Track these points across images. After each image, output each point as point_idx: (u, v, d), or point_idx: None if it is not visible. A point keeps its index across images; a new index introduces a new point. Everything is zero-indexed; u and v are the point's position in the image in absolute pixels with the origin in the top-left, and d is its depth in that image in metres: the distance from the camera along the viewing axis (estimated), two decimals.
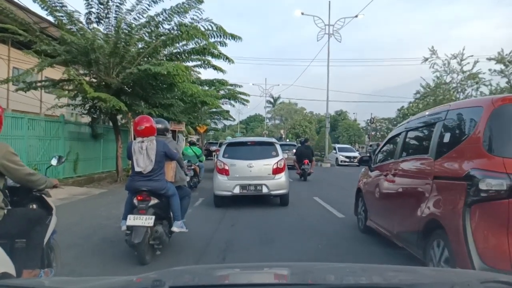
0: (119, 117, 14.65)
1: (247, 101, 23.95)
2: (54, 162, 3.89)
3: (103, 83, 12.46)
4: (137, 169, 4.49)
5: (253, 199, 9.03)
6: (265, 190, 8.41)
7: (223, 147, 9.19)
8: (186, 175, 5.61)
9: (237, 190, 8.38)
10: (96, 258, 4.75)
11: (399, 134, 5.21)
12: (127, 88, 13.10)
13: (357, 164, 22.74)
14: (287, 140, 42.86)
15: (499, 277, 1.57)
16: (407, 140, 4.90)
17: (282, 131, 52.22)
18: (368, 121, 44.30)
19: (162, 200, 4.70)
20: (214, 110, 26.71)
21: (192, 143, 12.66)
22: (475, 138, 3.22)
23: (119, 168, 13.47)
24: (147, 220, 4.30)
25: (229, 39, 12.95)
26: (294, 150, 17.50)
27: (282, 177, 8.52)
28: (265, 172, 8.45)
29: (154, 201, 4.52)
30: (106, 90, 11.93)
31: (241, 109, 60.91)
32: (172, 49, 13.44)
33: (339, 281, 1.62)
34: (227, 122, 47.08)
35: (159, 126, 5.04)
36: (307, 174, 14.94)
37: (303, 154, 15.15)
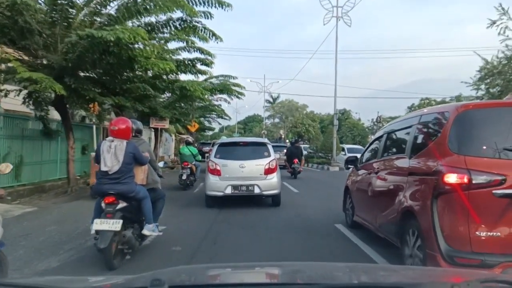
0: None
1: (242, 94, 20.64)
2: (3, 169, 3.57)
3: (45, 62, 9.78)
4: (103, 168, 4.41)
5: (245, 201, 8.99)
6: (257, 190, 8.48)
7: (215, 147, 9.23)
8: (161, 177, 5.51)
9: (228, 191, 8.43)
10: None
11: (381, 136, 5.74)
12: (80, 68, 10.03)
13: None
14: (287, 141, 39.07)
15: (498, 277, 1.66)
16: (387, 141, 5.42)
17: (281, 131, 47.30)
18: (374, 120, 41.35)
19: (132, 203, 4.61)
20: (204, 105, 23.88)
21: (188, 143, 12.98)
22: (442, 139, 3.73)
23: (71, 176, 10.87)
24: (114, 225, 4.20)
25: (215, 6, 10.46)
26: (285, 150, 18.56)
27: (274, 178, 8.60)
28: (257, 172, 8.53)
29: (122, 204, 4.43)
30: (49, 71, 9.18)
31: (239, 108, 56.55)
32: (140, 22, 10.53)
33: (338, 280, 1.62)
34: (224, 123, 42.93)
35: None
36: (297, 172, 16.10)
37: (293, 154, 16.43)
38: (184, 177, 11.84)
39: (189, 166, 12.06)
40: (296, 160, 16.18)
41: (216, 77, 20.21)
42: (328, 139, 26.42)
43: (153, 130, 20.58)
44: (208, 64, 13.79)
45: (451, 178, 3.45)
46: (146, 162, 4.82)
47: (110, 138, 4.54)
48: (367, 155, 6.42)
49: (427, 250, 3.59)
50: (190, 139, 13.88)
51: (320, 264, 2.54)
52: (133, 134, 4.91)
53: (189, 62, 13.50)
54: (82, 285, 1.63)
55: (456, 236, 3.43)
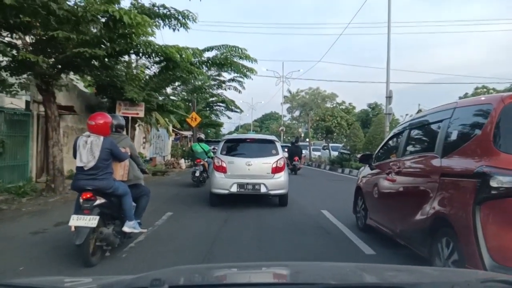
0: None
1: (252, 70, 14.71)
2: None
3: None
4: (79, 163, 4.37)
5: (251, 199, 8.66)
6: (263, 189, 8.19)
7: (221, 143, 9.02)
8: (144, 172, 5.44)
9: (234, 189, 8.17)
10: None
11: (402, 132, 5.19)
12: None
13: None
14: (306, 140, 32.66)
15: (498, 276, 1.56)
16: (410, 138, 4.88)
17: (300, 130, 39.48)
18: (415, 114, 36.17)
19: (111, 199, 4.58)
20: (198, 85, 18.90)
21: (200, 140, 13.05)
22: (485, 136, 3.19)
23: None
24: (90, 221, 4.15)
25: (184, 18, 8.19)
26: (286, 149, 19.59)
27: (281, 177, 8.30)
28: (264, 171, 8.24)
29: (100, 200, 4.39)
30: None
31: (255, 105, 53.49)
32: None
33: (339, 280, 1.60)
34: (240, 120, 36.55)
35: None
36: (297, 169, 18.27)
37: (294, 152, 18.54)
38: (197, 174, 12.08)
39: (201, 163, 12.27)
40: (296, 158, 18.17)
41: (217, 47, 14.29)
42: (375, 134, 18.72)
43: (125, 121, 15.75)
44: None
45: (498, 181, 2.92)
46: (126, 158, 4.77)
47: (87, 133, 4.47)
48: (383, 152, 5.89)
49: (466, 265, 3.06)
50: (202, 135, 13.77)
51: (321, 264, 2.41)
52: (114, 130, 4.84)
53: None
54: (82, 284, 1.61)
55: (503, 250, 2.91)
